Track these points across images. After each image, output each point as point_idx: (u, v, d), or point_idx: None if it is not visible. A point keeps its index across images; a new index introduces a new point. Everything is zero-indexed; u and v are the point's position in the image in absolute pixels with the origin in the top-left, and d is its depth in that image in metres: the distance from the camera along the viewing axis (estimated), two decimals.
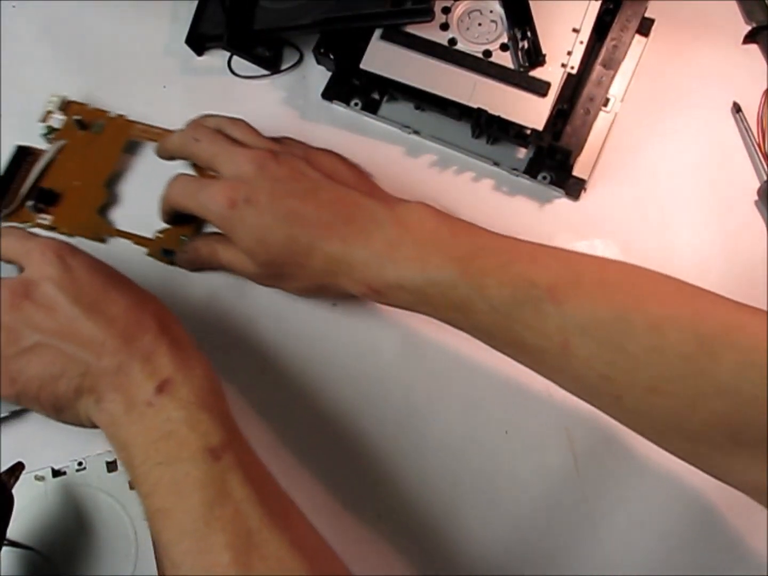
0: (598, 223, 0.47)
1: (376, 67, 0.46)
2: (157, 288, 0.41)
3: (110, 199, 0.48)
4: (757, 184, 0.47)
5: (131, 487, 0.40)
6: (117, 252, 0.47)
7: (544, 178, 0.47)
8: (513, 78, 0.45)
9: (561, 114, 0.45)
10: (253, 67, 0.51)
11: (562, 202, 0.47)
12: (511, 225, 0.42)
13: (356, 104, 0.49)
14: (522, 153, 0.48)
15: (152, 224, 0.47)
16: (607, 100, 0.47)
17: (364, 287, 0.40)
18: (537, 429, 0.43)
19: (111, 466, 0.41)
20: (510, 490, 0.42)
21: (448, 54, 0.45)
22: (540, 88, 0.44)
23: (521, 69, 0.45)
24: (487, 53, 0.46)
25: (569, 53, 0.45)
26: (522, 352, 0.38)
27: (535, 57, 0.45)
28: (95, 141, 0.49)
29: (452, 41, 0.46)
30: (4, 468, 0.37)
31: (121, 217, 0.48)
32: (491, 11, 0.47)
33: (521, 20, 0.46)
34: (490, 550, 0.41)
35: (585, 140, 0.45)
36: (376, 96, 0.49)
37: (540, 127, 0.44)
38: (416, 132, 0.49)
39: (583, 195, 0.47)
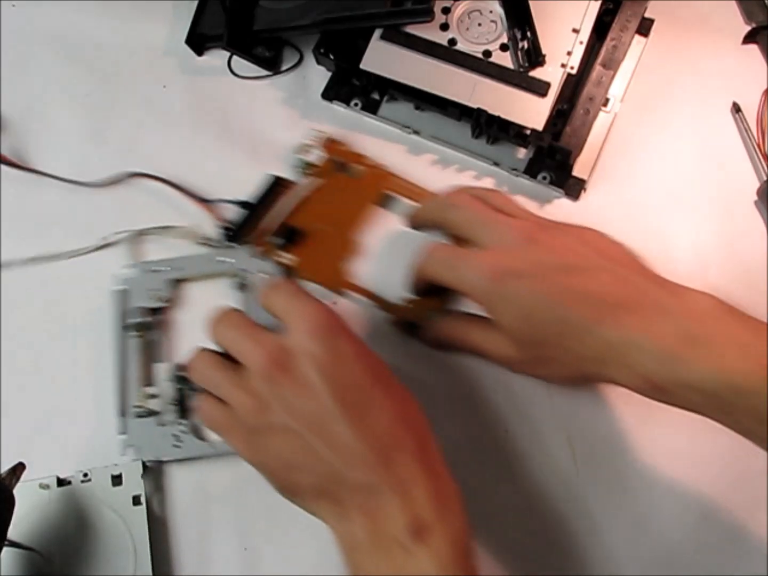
0: (598, 223, 0.46)
1: (376, 67, 0.46)
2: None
3: (356, 250, 0.46)
4: (756, 184, 0.47)
5: (134, 503, 0.40)
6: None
7: (544, 178, 0.47)
8: (513, 78, 0.45)
9: (561, 114, 0.45)
10: (253, 67, 0.51)
11: (562, 202, 0.47)
12: None
13: (356, 104, 0.49)
14: (522, 153, 0.48)
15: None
16: (607, 100, 0.47)
17: (643, 381, 0.36)
18: (537, 429, 0.43)
19: (116, 480, 0.41)
20: (509, 489, 0.42)
21: (448, 54, 0.46)
22: (540, 88, 0.44)
23: (521, 69, 0.45)
24: (487, 53, 0.46)
25: (569, 53, 0.45)
26: None
27: (535, 57, 0.45)
28: (350, 186, 0.47)
29: (452, 41, 0.46)
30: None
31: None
32: (491, 11, 0.47)
33: (521, 20, 0.46)
34: (489, 549, 0.41)
35: (585, 140, 0.45)
36: (376, 96, 0.50)
37: (540, 127, 0.44)
38: (416, 132, 0.49)
39: (583, 195, 0.47)
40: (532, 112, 0.44)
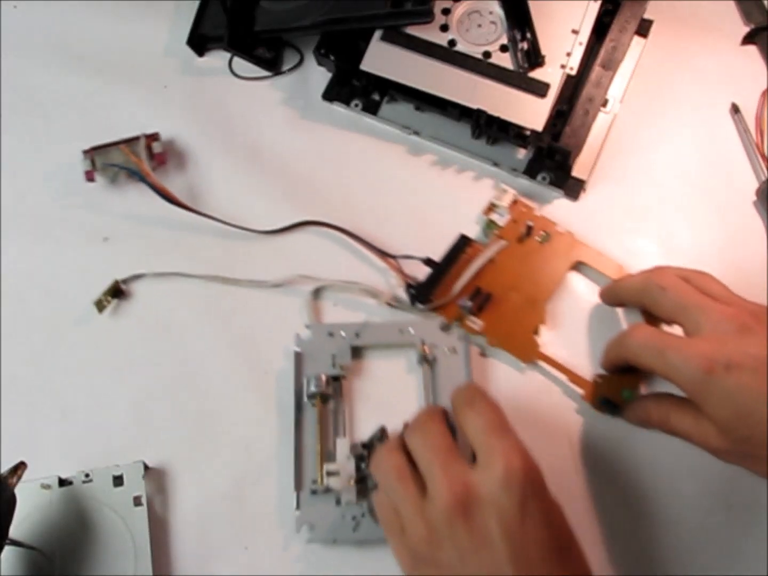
0: (598, 223, 0.47)
1: (377, 68, 0.46)
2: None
3: (546, 319, 0.44)
4: (755, 185, 0.47)
5: (135, 504, 0.40)
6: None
7: (544, 178, 0.47)
8: (512, 79, 0.45)
9: (560, 115, 0.46)
10: (253, 68, 0.51)
11: (562, 203, 0.47)
12: None
13: (356, 105, 0.49)
14: (521, 153, 0.48)
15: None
16: (606, 100, 0.47)
17: None
18: (537, 429, 0.43)
19: (117, 481, 0.41)
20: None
21: (448, 55, 0.46)
22: (539, 89, 0.44)
23: (521, 70, 0.45)
24: (487, 54, 0.46)
25: (568, 54, 0.45)
26: None
27: (535, 58, 0.45)
28: (538, 252, 0.45)
29: (452, 42, 0.47)
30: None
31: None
32: (491, 12, 0.48)
33: (521, 21, 0.46)
34: None
35: (584, 141, 0.45)
36: (376, 97, 0.50)
37: (539, 127, 0.44)
38: (416, 133, 0.49)
39: (583, 195, 0.47)
40: (532, 112, 0.44)
